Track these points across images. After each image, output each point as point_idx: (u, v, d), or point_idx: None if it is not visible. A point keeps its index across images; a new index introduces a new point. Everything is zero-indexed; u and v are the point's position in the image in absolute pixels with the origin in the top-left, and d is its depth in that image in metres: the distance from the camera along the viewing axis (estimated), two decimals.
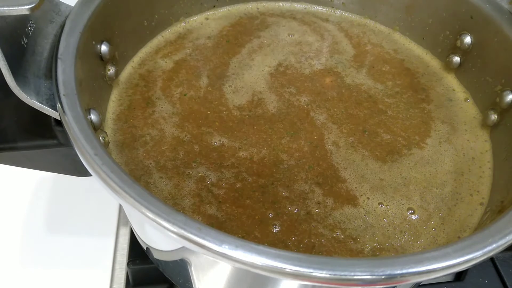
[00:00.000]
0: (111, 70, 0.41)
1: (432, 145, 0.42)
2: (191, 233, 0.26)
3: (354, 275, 0.25)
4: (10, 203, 0.56)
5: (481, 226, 0.36)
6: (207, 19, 0.52)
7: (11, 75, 0.31)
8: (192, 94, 0.44)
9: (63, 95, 0.32)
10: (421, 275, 0.26)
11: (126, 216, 0.55)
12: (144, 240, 0.43)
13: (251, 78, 0.46)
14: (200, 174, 0.38)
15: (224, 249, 0.25)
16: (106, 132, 0.39)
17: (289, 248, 0.34)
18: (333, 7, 0.54)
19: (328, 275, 0.25)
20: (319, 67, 0.48)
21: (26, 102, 0.33)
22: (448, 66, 0.48)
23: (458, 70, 0.47)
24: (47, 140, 0.37)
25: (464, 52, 0.46)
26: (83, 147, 0.29)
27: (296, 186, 0.38)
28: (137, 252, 0.51)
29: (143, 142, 0.40)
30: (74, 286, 0.50)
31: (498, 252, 0.28)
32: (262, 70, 0.47)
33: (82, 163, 0.30)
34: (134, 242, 0.53)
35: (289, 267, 0.25)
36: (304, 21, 0.53)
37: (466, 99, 0.46)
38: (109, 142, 0.39)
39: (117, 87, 0.43)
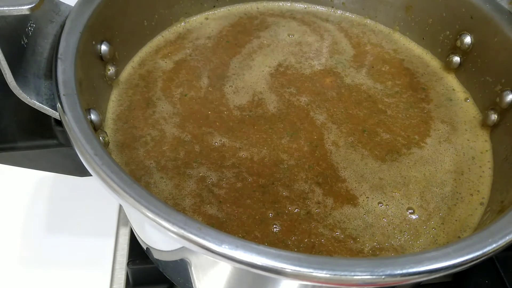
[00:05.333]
0: (111, 70, 0.41)
1: (432, 144, 0.42)
2: (191, 233, 0.26)
3: (354, 275, 0.25)
4: (10, 203, 0.56)
5: (481, 226, 0.36)
6: (207, 19, 0.52)
7: (11, 75, 0.31)
8: (193, 94, 0.44)
9: (63, 95, 0.32)
10: (421, 275, 0.26)
11: (126, 216, 0.55)
12: (144, 240, 0.43)
13: (251, 78, 0.46)
14: (200, 174, 0.38)
15: (224, 249, 0.25)
16: (106, 132, 0.39)
17: (289, 248, 0.34)
18: (333, 7, 0.54)
19: (328, 275, 0.25)
20: (319, 67, 0.48)
21: (26, 102, 0.33)
22: (448, 66, 0.48)
23: (458, 70, 0.47)
24: (47, 140, 0.37)
25: (464, 52, 0.46)
26: (83, 147, 0.29)
27: (296, 186, 0.38)
28: (137, 252, 0.51)
29: (143, 142, 0.40)
30: (74, 286, 0.50)
31: (498, 252, 0.28)
32: (263, 70, 0.47)
33: (82, 163, 0.30)
34: (134, 242, 0.53)
35: (289, 267, 0.25)
36: (304, 21, 0.53)
37: (466, 99, 0.46)
38: (109, 142, 0.39)
39: (117, 87, 0.43)
